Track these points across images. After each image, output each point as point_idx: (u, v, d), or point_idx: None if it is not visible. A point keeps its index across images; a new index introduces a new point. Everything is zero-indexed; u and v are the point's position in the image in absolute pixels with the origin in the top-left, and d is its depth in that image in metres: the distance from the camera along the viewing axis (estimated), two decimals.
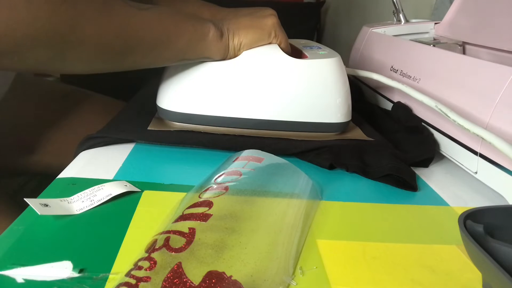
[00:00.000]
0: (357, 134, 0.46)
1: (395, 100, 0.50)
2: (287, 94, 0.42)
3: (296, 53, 0.45)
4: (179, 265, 0.22)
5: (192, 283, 0.22)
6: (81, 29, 0.30)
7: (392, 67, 0.51)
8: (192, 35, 0.38)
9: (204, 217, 0.26)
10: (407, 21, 0.61)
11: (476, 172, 0.36)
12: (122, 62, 0.36)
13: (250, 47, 0.42)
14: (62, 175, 0.35)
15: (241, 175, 0.32)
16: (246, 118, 0.42)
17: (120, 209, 0.30)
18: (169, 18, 0.37)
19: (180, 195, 0.32)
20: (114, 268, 0.24)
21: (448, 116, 0.37)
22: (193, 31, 0.38)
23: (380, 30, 0.60)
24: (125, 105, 0.55)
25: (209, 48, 0.40)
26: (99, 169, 0.36)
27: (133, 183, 0.34)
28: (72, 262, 0.24)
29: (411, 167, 0.39)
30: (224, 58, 0.42)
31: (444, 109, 0.37)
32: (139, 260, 0.23)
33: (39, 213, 0.27)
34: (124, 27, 0.33)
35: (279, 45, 0.43)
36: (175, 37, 0.37)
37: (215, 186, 0.31)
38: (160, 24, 0.36)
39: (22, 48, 0.28)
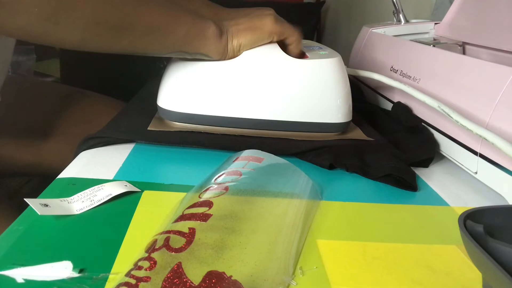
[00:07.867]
0: (357, 134, 0.46)
1: (395, 100, 0.50)
2: (287, 94, 0.42)
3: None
4: (179, 265, 0.22)
5: (192, 283, 0.22)
6: None
7: (392, 67, 0.51)
8: (191, 27, 0.38)
9: (204, 217, 0.26)
10: (407, 21, 0.61)
11: (476, 172, 0.36)
12: (118, 40, 0.35)
13: (250, 48, 0.42)
14: (62, 175, 0.35)
15: (241, 175, 0.32)
16: (246, 118, 0.42)
17: (120, 209, 0.30)
18: (170, 6, 0.38)
19: (180, 195, 0.32)
20: (114, 268, 0.24)
21: (451, 117, 0.37)
22: (193, 24, 0.38)
23: (380, 30, 0.60)
24: (125, 105, 0.55)
25: (207, 45, 0.40)
26: (99, 169, 0.36)
27: (133, 183, 0.34)
28: (72, 262, 0.24)
29: (411, 167, 0.39)
30: (222, 58, 0.41)
31: (447, 110, 0.37)
32: (139, 260, 0.23)
33: (39, 213, 0.27)
34: (123, 0, 0.33)
35: (286, 42, 0.43)
36: (174, 25, 0.37)
37: (215, 186, 0.31)
38: (159, 8, 0.36)
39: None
